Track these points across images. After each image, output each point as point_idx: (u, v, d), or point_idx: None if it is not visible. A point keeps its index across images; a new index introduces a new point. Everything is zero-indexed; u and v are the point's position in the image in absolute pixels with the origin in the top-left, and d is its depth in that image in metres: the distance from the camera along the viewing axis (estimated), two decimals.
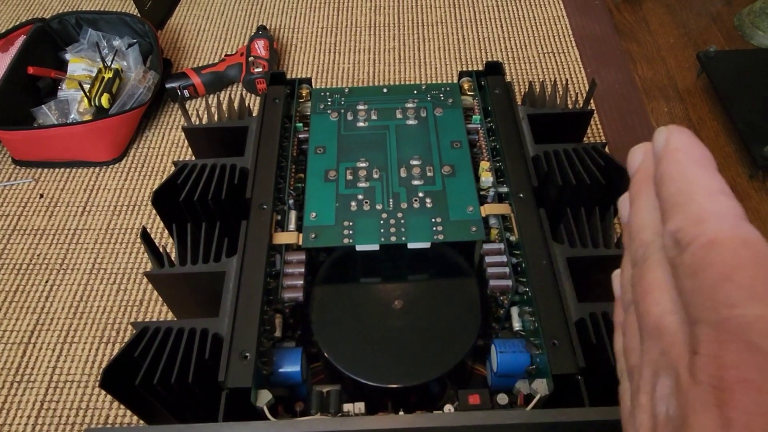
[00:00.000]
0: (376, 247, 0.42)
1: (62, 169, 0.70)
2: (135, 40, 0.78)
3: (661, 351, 0.16)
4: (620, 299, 0.20)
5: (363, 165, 0.47)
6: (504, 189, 0.45)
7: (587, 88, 0.57)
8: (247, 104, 0.53)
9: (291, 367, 0.38)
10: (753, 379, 0.13)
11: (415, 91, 0.53)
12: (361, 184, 0.46)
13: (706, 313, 0.14)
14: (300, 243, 0.43)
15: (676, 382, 0.15)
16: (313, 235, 0.43)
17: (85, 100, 0.70)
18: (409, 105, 0.52)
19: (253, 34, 0.79)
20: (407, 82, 0.78)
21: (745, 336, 0.13)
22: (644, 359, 0.17)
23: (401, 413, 0.39)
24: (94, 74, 0.72)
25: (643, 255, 0.18)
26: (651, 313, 0.17)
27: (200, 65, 0.77)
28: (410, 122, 0.50)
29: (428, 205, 0.44)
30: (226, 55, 0.78)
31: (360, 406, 0.38)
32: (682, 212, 0.16)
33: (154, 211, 0.65)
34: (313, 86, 0.54)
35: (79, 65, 0.74)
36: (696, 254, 0.15)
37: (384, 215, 0.44)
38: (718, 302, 0.14)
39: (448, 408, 0.39)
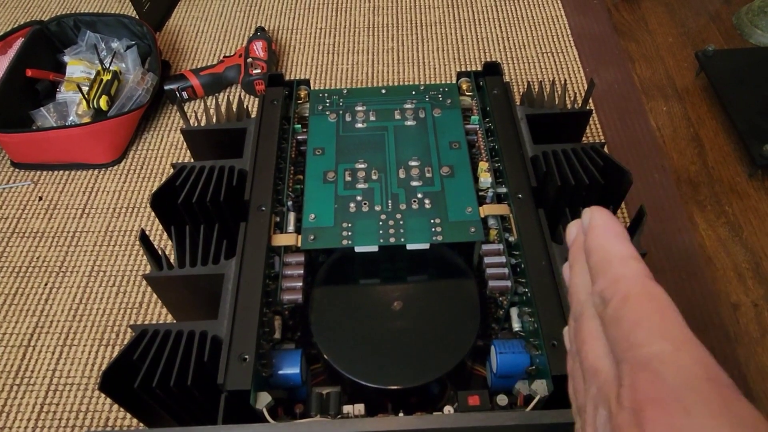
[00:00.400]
0: (375, 248, 0.42)
1: (61, 172, 0.70)
2: (133, 42, 0.78)
3: (597, 388, 0.19)
4: (570, 350, 0.23)
5: (362, 166, 0.47)
6: (503, 189, 0.45)
7: (586, 88, 0.57)
8: (245, 106, 0.53)
9: (290, 369, 0.38)
10: (658, 398, 0.16)
11: (414, 92, 0.53)
12: (360, 186, 0.46)
13: (625, 353, 0.18)
14: (299, 244, 0.43)
15: (609, 411, 0.18)
16: (312, 237, 0.43)
17: (84, 102, 0.70)
18: (408, 106, 0.52)
19: (251, 35, 0.79)
20: (406, 83, 0.78)
21: (651, 366, 0.17)
22: (587, 397, 0.20)
23: (401, 415, 0.38)
24: (92, 76, 0.72)
25: (580, 311, 0.21)
26: (588, 358, 0.20)
27: (199, 67, 0.77)
28: (409, 123, 0.50)
29: (427, 206, 0.44)
30: (224, 57, 0.78)
31: (360, 408, 0.38)
32: (603, 275, 0.20)
33: (153, 213, 0.65)
34: (312, 87, 0.54)
35: (77, 67, 0.74)
36: (615, 308, 0.19)
37: (383, 216, 0.44)
38: (632, 343, 0.18)
39: (448, 409, 0.39)
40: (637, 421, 0.16)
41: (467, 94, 0.54)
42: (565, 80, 0.77)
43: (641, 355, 0.17)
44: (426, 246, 0.42)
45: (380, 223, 0.43)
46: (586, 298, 0.21)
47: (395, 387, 0.38)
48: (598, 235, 0.21)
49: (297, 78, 0.54)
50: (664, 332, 0.17)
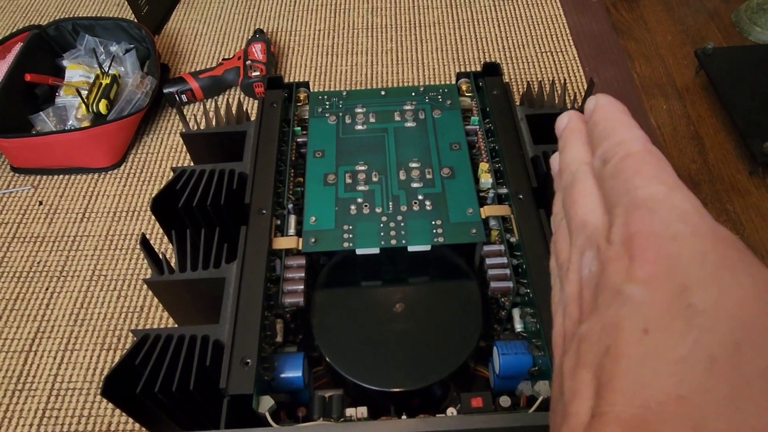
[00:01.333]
0: (376, 250, 0.42)
1: (61, 176, 0.70)
2: (132, 46, 0.78)
3: (585, 237, 0.21)
4: (554, 218, 0.25)
5: (362, 168, 0.47)
6: (504, 190, 0.45)
7: (586, 87, 0.57)
8: (245, 108, 0.53)
9: (293, 372, 0.38)
10: (649, 230, 0.18)
11: (413, 93, 0.53)
12: (361, 188, 0.46)
13: (621, 198, 0.19)
14: (300, 247, 0.42)
15: (597, 250, 0.20)
16: (312, 240, 0.42)
17: (83, 106, 0.70)
18: (408, 107, 0.52)
19: (250, 37, 0.79)
20: (405, 84, 0.78)
21: (647, 204, 0.18)
22: (572, 249, 0.22)
23: (404, 417, 0.38)
24: (91, 80, 0.72)
25: (573, 178, 0.23)
26: (578, 214, 0.22)
27: (198, 70, 0.77)
28: (409, 124, 0.50)
29: (428, 208, 0.44)
30: (223, 59, 0.78)
31: (363, 411, 0.38)
32: (608, 140, 0.21)
33: (153, 217, 0.65)
34: (311, 89, 0.54)
35: (76, 71, 0.74)
36: (616, 163, 0.20)
37: (384, 218, 0.43)
38: (629, 188, 0.19)
39: (451, 411, 0.39)
40: (628, 250, 0.18)
41: (467, 94, 0.53)
42: (565, 80, 0.76)
43: (637, 196, 0.19)
44: (427, 247, 0.42)
45: (381, 225, 0.43)
46: (579, 166, 0.23)
47: (398, 389, 0.38)
48: (605, 110, 0.23)
49: (296, 80, 0.54)
50: (659, 178, 0.19)
